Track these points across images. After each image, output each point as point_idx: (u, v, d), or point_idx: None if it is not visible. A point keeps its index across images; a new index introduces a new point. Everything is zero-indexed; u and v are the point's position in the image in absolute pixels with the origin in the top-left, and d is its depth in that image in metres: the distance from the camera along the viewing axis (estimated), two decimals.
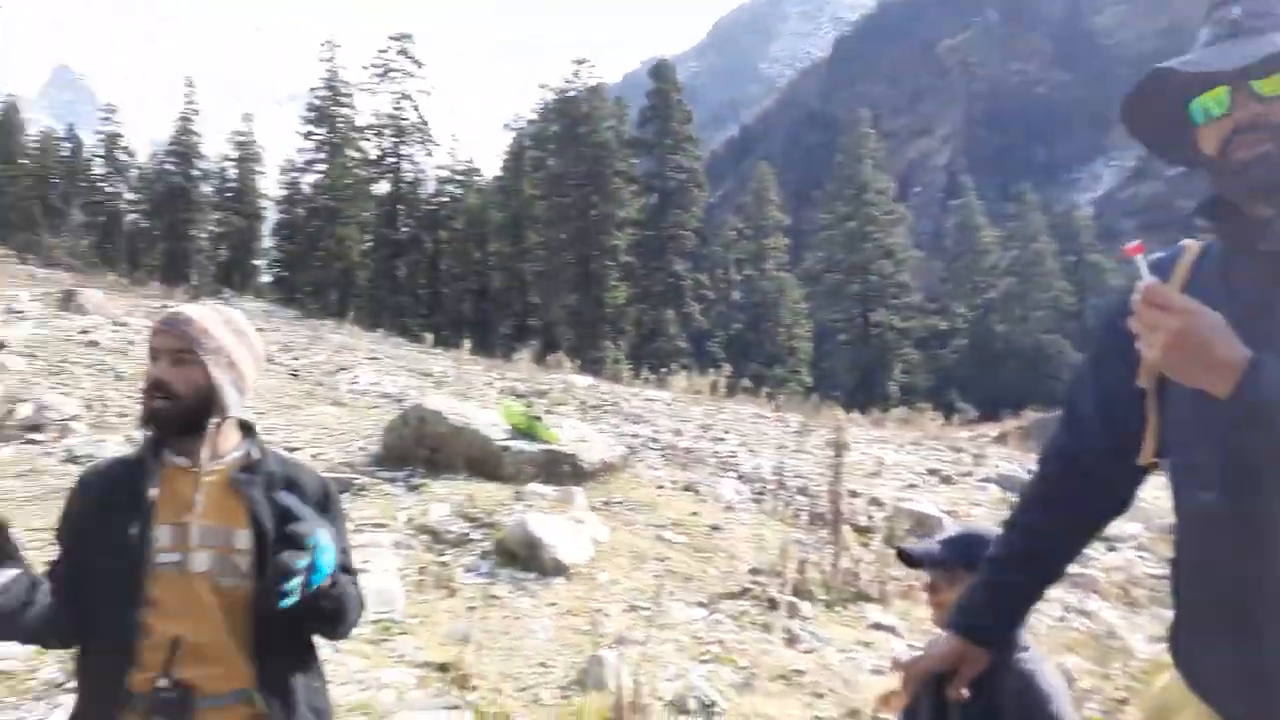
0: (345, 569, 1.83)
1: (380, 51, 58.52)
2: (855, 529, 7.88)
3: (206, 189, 65.59)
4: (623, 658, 4.63)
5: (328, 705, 1.87)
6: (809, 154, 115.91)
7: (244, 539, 1.71)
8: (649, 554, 6.67)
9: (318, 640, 1.88)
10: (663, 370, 20.65)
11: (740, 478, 10.12)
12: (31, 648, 3.17)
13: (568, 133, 51.13)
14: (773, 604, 5.91)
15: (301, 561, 1.58)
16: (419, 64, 59.05)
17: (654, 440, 11.50)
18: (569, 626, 5.30)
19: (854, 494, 9.28)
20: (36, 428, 8.57)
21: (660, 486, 8.77)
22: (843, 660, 5.22)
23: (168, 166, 64.92)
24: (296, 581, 1.57)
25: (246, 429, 1.84)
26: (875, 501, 9.33)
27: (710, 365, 20.71)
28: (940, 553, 2.19)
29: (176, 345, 1.72)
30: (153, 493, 1.69)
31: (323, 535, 1.63)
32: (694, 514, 7.91)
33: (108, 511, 1.70)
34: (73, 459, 7.53)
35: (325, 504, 1.83)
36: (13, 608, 1.53)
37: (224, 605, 1.69)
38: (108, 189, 67.02)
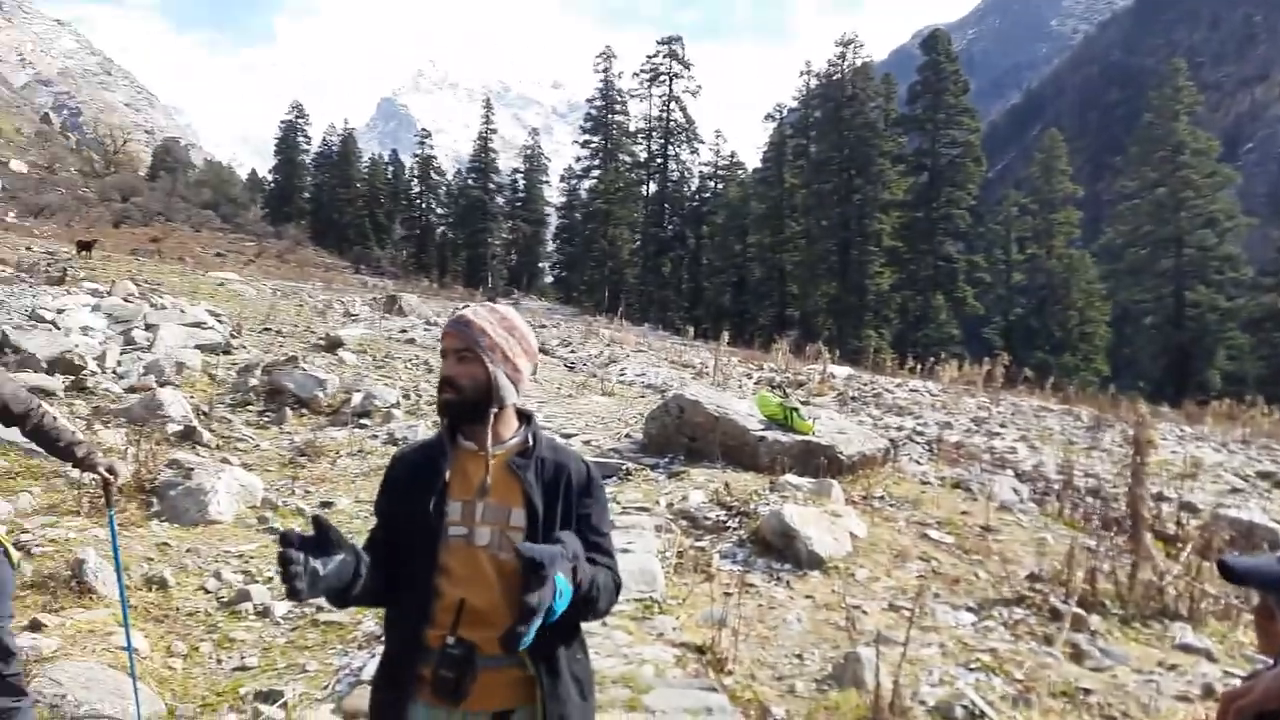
0: (603, 551, 1.95)
1: (649, 56, 61.01)
2: (1160, 537, 6.98)
3: (500, 200, 72.64)
4: (882, 657, 4.47)
5: (588, 675, 1.99)
6: (1107, 115, 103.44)
7: (519, 517, 1.88)
8: (912, 552, 6.38)
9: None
10: (930, 360, 19.51)
11: (1019, 476, 9.34)
12: None
13: (831, 117, 49.91)
14: (1055, 614, 5.40)
15: (543, 603, 1.68)
16: (687, 65, 60.78)
17: (919, 433, 10.94)
18: (825, 620, 5.22)
19: (1160, 498, 8.22)
20: (365, 414, 9.98)
21: (925, 482, 8.35)
22: (1140, 682, 4.65)
23: (469, 182, 72.77)
24: (535, 624, 1.68)
25: (525, 417, 2.01)
26: (1187, 507, 8.17)
27: (985, 354, 19.22)
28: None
29: (459, 345, 1.91)
30: (447, 473, 1.91)
31: (561, 578, 1.72)
32: (964, 513, 7.43)
33: (412, 488, 1.93)
34: (393, 441, 8.70)
35: (588, 489, 1.96)
36: (344, 584, 1.78)
37: (501, 575, 1.86)
38: (422, 205, 76.48)
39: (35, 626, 3.99)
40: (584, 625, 2.00)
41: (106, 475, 3.37)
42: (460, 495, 1.89)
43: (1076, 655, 4.90)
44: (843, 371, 17.17)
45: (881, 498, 7.56)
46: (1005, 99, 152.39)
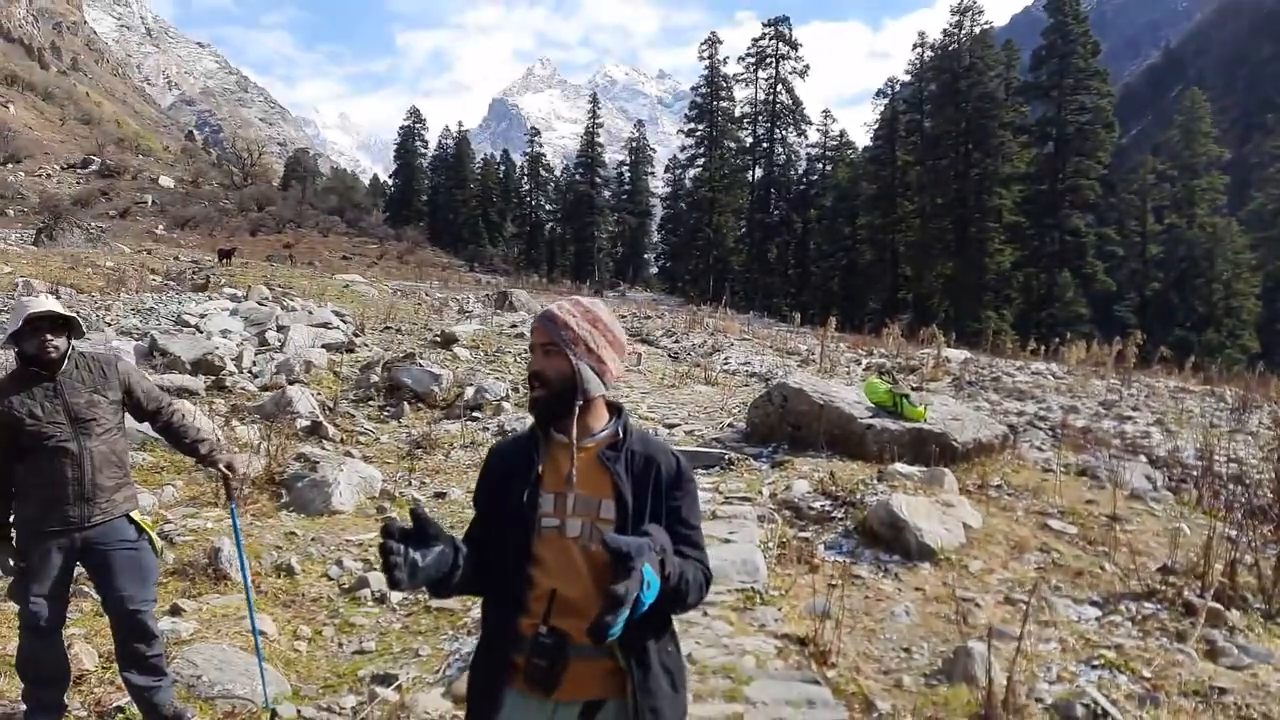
0: (693, 544, 1.95)
1: (755, 39, 60.21)
2: None
3: (606, 194, 73.54)
4: (996, 652, 4.29)
5: (680, 667, 2.00)
6: (1257, 72, 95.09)
7: (609, 509, 1.90)
8: (1030, 543, 6.08)
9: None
10: (1055, 341, 18.49)
11: (1152, 462, 8.76)
12: None
13: (946, 89, 47.87)
14: (1189, 609, 5.04)
15: (630, 593, 1.68)
16: (794, 45, 59.61)
17: (1041, 418, 10.41)
18: (935, 613, 5.04)
19: None
20: (477, 407, 10.32)
21: (1048, 470, 7.93)
22: None
23: (576, 177, 74.04)
24: (623, 615, 1.68)
25: (616, 409, 2.04)
26: None
27: (1117, 333, 18.06)
28: None
29: (544, 339, 1.95)
30: (539, 466, 1.95)
31: (649, 570, 1.73)
32: (1089, 502, 7.02)
33: (507, 480, 1.99)
34: (503, 433, 8.96)
35: (677, 481, 1.97)
36: (442, 574, 1.85)
37: (591, 566, 1.89)
38: (531, 202, 78.35)
39: (175, 611, 4.34)
40: (684, 615, 2.00)
41: (225, 471, 3.62)
42: (552, 487, 1.93)
43: (1212, 653, 4.56)
44: (959, 355, 16.51)
45: (999, 486, 7.23)
46: (1141, 59, 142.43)
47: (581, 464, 1.93)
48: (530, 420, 2.03)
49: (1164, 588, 5.34)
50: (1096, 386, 13.39)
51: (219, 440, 3.77)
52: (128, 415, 3.47)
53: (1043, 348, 18.41)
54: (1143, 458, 8.85)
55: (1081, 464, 8.29)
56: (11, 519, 3.27)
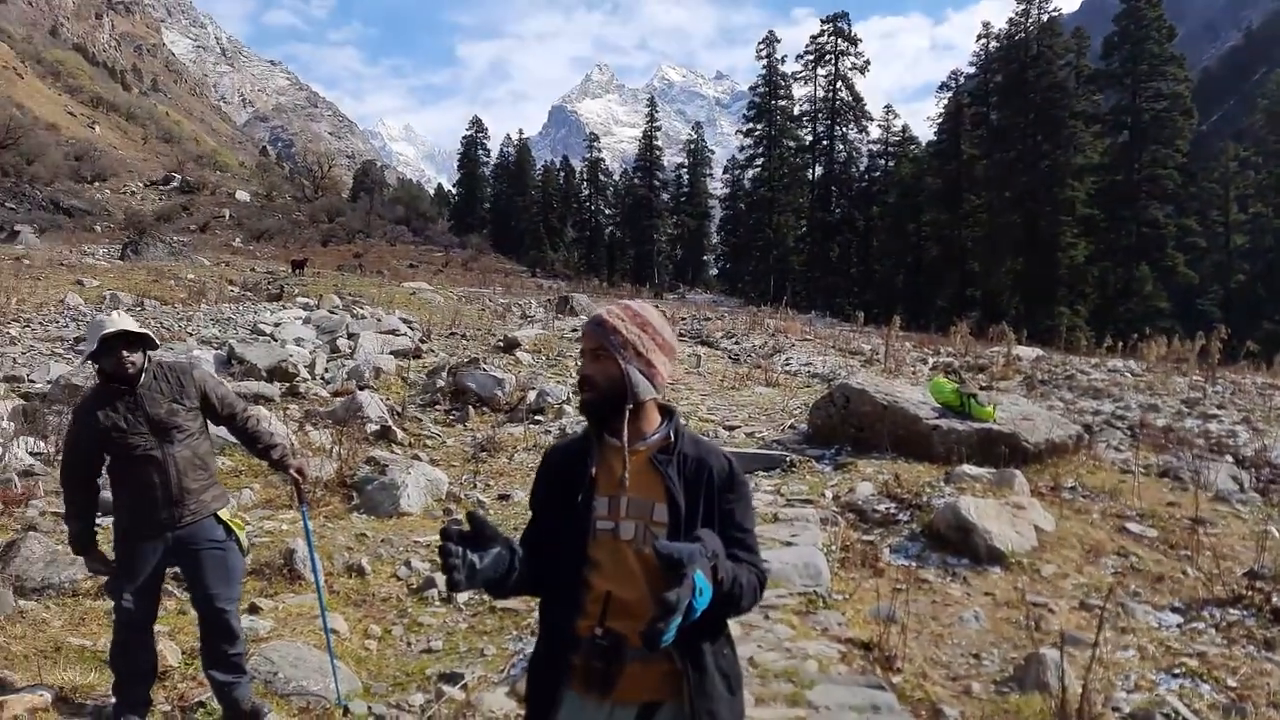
0: (746, 547, 1.95)
1: (813, 37, 59.53)
2: None
3: (665, 197, 73.63)
4: (1070, 659, 4.17)
5: (736, 670, 1.99)
6: None
7: (662, 512, 1.91)
8: (1107, 547, 5.88)
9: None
10: (1134, 337, 17.80)
11: (1239, 462, 8.37)
12: None
13: (1013, 80, 46.50)
14: (1276, 615, 4.82)
15: (682, 600, 1.67)
16: (854, 41, 58.77)
17: (1119, 418, 10.04)
18: (1005, 619, 4.92)
19: None
20: (539, 410, 10.46)
21: (1126, 471, 7.66)
22: None
23: (635, 181, 74.33)
24: (675, 622, 1.67)
25: (667, 413, 2.04)
26: None
27: (1200, 327, 17.29)
28: None
29: (593, 344, 1.96)
30: (593, 469, 1.96)
31: (700, 576, 1.71)
32: (1170, 504, 6.76)
33: (562, 483, 2.00)
34: (564, 435, 9.06)
35: (730, 485, 1.96)
36: (499, 575, 1.88)
37: (645, 569, 1.89)
38: (591, 207, 78.94)
39: (253, 610, 4.51)
40: (744, 618, 2.00)
41: (296, 476, 3.75)
42: (606, 490, 1.94)
43: None
44: (1030, 353, 16.04)
45: (1073, 488, 7.01)
46: (1221, 42, 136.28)
47: (634, 467, 1.94)
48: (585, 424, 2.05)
49: (1250, 593, 5.12)
50: (1178, 384, 12.86)
51: (292, 446, 3.91)
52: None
53: (1120, 344, 17.73)
54: (1228, 458, 8.46)
55: (1162, 465, 7.97)
56: (110, 524, 3.47)
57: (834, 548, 5.77)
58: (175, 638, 4.21)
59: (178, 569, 3.58)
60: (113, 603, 3.43)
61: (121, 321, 3.38)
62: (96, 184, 65.35)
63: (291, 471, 3.72)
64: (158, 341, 3.57)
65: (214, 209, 63.38)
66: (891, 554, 5.78)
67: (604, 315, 2.02)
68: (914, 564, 5.68)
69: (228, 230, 57.30)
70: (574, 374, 12.61)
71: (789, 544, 5.76)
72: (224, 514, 3.54)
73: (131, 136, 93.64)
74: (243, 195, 72.93)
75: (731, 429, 9.52)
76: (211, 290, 24.04)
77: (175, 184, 71.35)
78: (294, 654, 3.95)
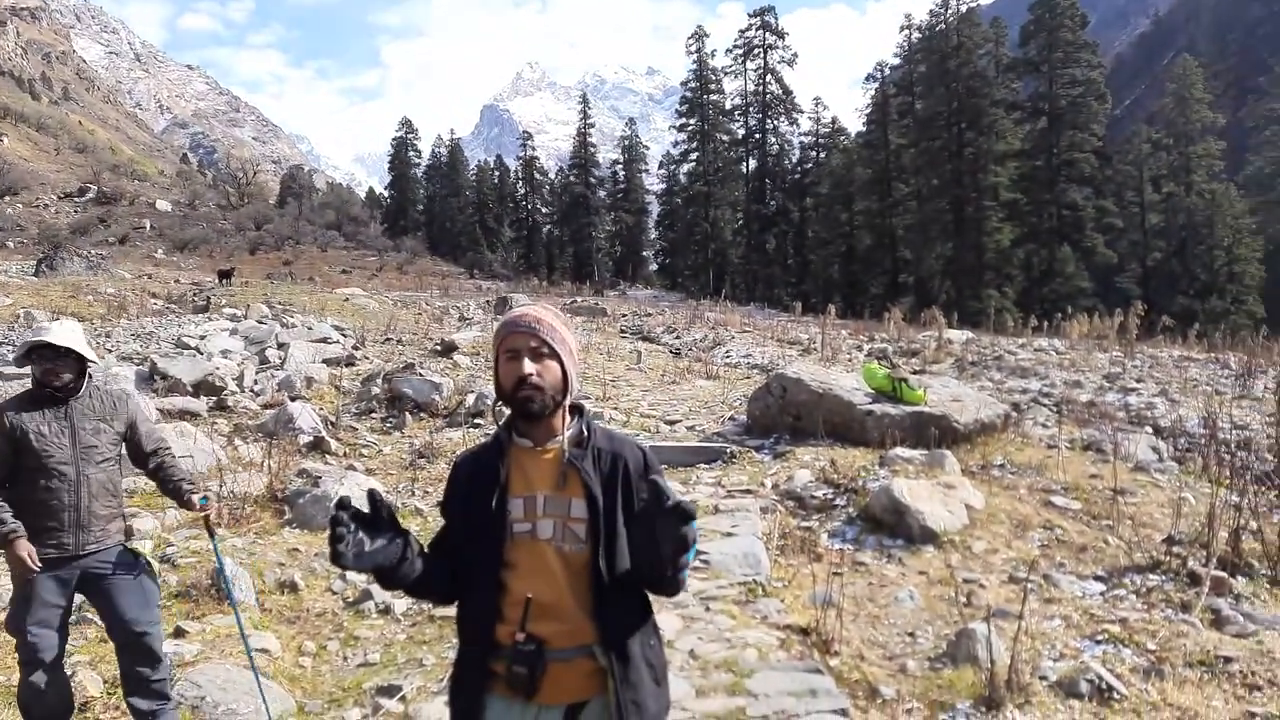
0: None
1: (741, 31, 60.04)
2: None
3: (602, 194, 73.44)
4: (999, 631, 4.29)
5: (662, 662, 2.00)
6: (1249, 35, 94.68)
7: (580, 508, 1.90)
8: (1034, 521, 6.07)
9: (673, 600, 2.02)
10: (1058, 316, 18.42)
11: (1157, 432, 8.74)
12: None
13: (936, 70, 47.63)
14: (1194, 579, 5.02)
15: (694, 534, 1.69)
16: (781, 35, 59.46)
17: (1045, 395, 10.38)
18: (939, 596, 5.04)
19: None
20: (479, 414, 10.32)
21: (1051, 447, 7.91)
22: None
23: (571, 178, 73.94)
24: (694, 552, 1.70)
25: (577, 409, 2.02)
26: None
27: (1121, 304, 17.97)
28: None
29: (535, 343, 1.91)
30: (505, 472, 1.95)
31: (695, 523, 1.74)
32: (1093, 477, 7.01)
33: (474, 490, 1.98)
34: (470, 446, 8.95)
35: (645, 474, 1.95)
36: (390, 564, 1.86)
37: (566, 568, 1.89)
38: (527, 206, 78.28)
39: (179, 633, 4.35)
40: (686, 610, 2.03)
41: (202, 514, 3.62)
42: (520, 491, 1.93)
43: (1217, 621, 4.55)
44: (961, 336, 16.48)
45: (1001, 466, 7.22)
46: (1131, 28, 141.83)
47: (549, 466, 1.94)
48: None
49: (1168, 559, 5.33)
50: (1100, 360, 13.35)
51: (197, 485, 3.81)
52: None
53: (1045, 324, 18.36)
54: (1148, 429, 8.82)
55: (1086, 439, 8.27)
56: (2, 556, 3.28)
57: (774, 536, 5.84)
58: (96, 667, 4.04)
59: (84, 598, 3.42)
60: (15, 639, 3.25)
61: (55, 333, 3.28)
62: (7, 198, 62.42)
63: (195, 510, 3.58)
64: (95, 359, 3.44)
65: (134, 220, 61.08)
66: (829, 539, 5.87)
67: (539, 313, 2.00)
68: (851, 548, 5.79)
69: (149, 241, 55.28)
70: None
71: (729, 535, 5.81)
72: (132, 545, 3.41)
73: (43, 147, 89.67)
74: (164, 205, 70.44)
75: (673, 423, 9.55)
76: (132, 304, 23.15)
77: (91, 195, 68.54)
78: (223, 676, 3.83)
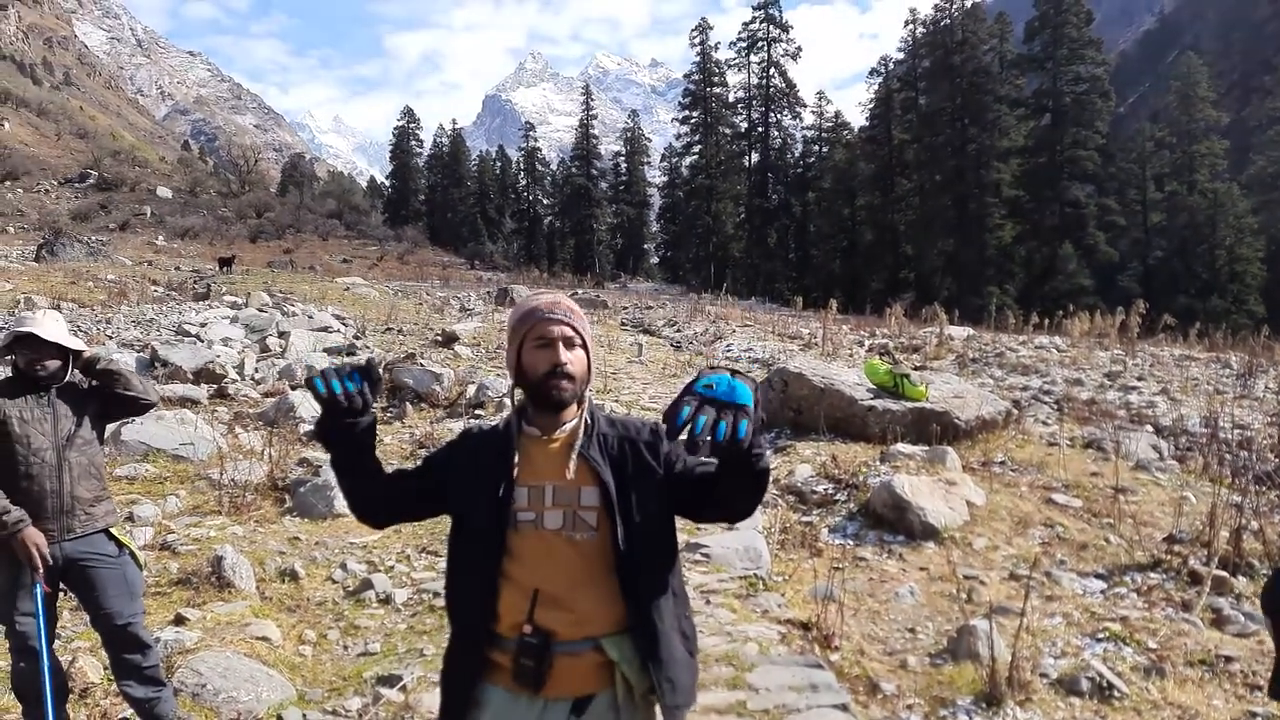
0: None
1: (745, 24, 59.82)
2: None
3: (604, 185, 73.32)
4: (1000, 628, 4.29)
5: (694, 631, 1.98)
6: (1254, 34, 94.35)
7: (591, 496, 1.87)
8: (1035, 518, 6.07)
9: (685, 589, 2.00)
10: (1059, 314, 18.40)
11: (1158, 431, 8.73)
12: None
13: (940, 65, 47.55)
14: (1194, 578, 5.03)
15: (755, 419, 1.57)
16: (785, 28, 59.25)
17: (1046, 392, 10.37)
18: (939, 592, 5.04)
19: None
20: (479, 405, 10.32)
21: (1052, 444, 7.91)
22: None
23: (572, 170, 73.79)
24: (749, 423, 1.55)
25: (580, 398, 2.00)
26: None
27: (1121, 303, 17.95)
28: None
29: (568, 333, 1.89)
30: (514, 459, 1.91)
31: (717, 377, 1.60)
32: (1094, 475, 7.01)
33: (479, 469, 1.94)
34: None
35: (656, 440, 1.94)
36: (367, 443, 1.91)
37: (579, 557, 1.86)
38: (529, 197, 78.15)
39: (179, 621, 4.34)
40: (689, 602, 2.00)
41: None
42: (527, 480, 1.89)
43: (1218, 621, 4.55)
44: (961, 332, 16.46)
45: (1002, 463, 7.22)
46: (1135, 26, 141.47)
47: (556, 455, 1.91)
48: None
49: (1169, 557, 5.33)
50: (1100, 358, 13.34)
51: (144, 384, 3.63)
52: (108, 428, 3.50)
53: (1046, 321, 18.34)
54: (1148, 427, 8.81)
55: (1086, 437, 8.26)
56: None
57: (774, 530, 5.83)
58: (96, 653, 4.03)
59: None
60: (3, 627, 3.22)
61: (39, 325, 3.23)
62: (8, 183, 62.25)
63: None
64: (82, 347, 3.39)
65: (134, 206, 60.91)
66: (830, 534, 5.87)
67: (570, 302, 1.98)
68: (852, 543, 5.79)
69: (150, 228, 55.14)
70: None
71: (730, 529, 5.80)
72: (115, 531, 3.37)
73: (44, 133, 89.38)
74: (165, 191, 70.23)
75: None
76: (133, 291, 23.12)
77: (92, 181, 68.33)
78: (223, 664, 3.82)
